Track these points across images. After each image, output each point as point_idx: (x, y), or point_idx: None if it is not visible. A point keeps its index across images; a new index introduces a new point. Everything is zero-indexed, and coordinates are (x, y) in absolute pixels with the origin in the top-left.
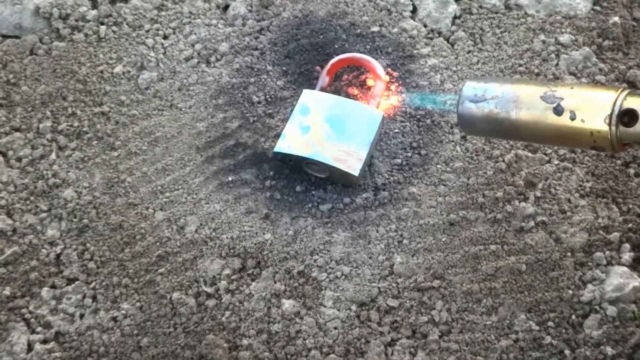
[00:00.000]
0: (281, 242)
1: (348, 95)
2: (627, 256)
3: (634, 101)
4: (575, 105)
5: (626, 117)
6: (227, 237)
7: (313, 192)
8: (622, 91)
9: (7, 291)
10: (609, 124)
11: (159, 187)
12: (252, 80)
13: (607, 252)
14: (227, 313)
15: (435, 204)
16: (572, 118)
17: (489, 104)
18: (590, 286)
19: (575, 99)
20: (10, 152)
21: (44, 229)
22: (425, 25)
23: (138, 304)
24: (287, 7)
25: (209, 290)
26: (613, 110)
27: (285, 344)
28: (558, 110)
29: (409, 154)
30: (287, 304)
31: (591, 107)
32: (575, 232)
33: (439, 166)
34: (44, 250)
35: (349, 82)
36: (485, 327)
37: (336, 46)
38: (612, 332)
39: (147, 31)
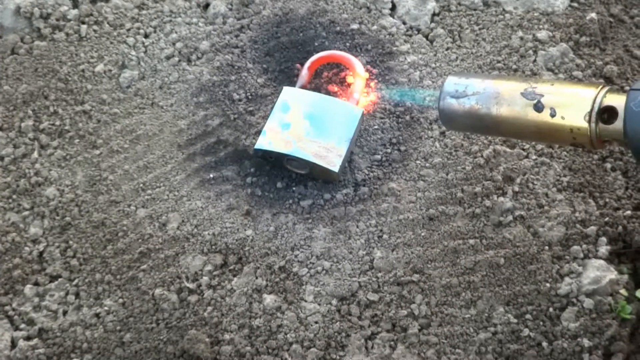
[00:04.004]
0: (262, 238)
1: (328, 93)
2: (603, 249)
3: (613, 98)
4: (556, 102)
5: (606, 114)
6: (208, 234)
7: (294, 189)
8: (602, 88)
9: None
10: (589, 121)
11: (141, 185)
12: (233, 78)
13: (584, 246)
14: (209, 308)
15: (414, 199)
16: (552, 115)
17: (470, 100)
18: (567, 279)
19: (555, 96)
20: None
21: (26, 227)
22: (404, 23)
23: (120, 300)
24: (267, 5)
25: (191, 286)
26: (593, 107)
27: (266, 339)
28: (538, 107)
29: (389, 150)
30: (269, 299)
31: (571, 104)
32: (552, 226)
33: (418, 162)
34: (26, 248)
35: (328, 79)
36: (464, 320)
37: (316, 44)
38: (589, 324)
39: (128, 30)
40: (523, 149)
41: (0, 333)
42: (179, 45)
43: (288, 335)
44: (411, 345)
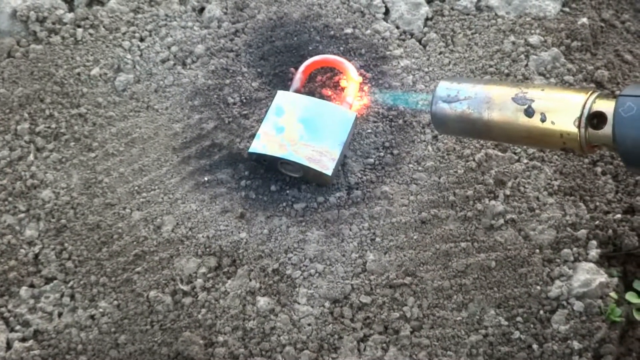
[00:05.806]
0: (256, 241)
1: (322, 96)
2: (593, 252)
3: (602, 104)
4: (546, 107)
5: (595, 119)
6: (203, 236)
7: (287, 192)
8: (591, 94)
9: None
10: (579, 127)
11: (136, 188)
12: (228, 81)
13: (575, 249)
14: (203, 310)
15: (407, 202)
16: (543, 120)
17: (461, 105)
18: (557, 282)
19: (545, 101)
20: None
21: (22, 229)
22: (397, 27)
23: (115, 302)
24: (261, 9)
25: (185, 288)
26: (582, 112)
27: (260, 341)
28: (529, 112)
29: (382, 154)
30: (262, 301)
31: (561, 109)
32: (543, 229)
33: (410, 165)
34: (22, 250)
35: (322, 83)
36: (455, 323)
37: (310, 48)
38: (579, 326)
39: (124, 34)
40: (514, 153)
41: None
42: (174, 49)
43: (281, 337)
44: (403, 347)
